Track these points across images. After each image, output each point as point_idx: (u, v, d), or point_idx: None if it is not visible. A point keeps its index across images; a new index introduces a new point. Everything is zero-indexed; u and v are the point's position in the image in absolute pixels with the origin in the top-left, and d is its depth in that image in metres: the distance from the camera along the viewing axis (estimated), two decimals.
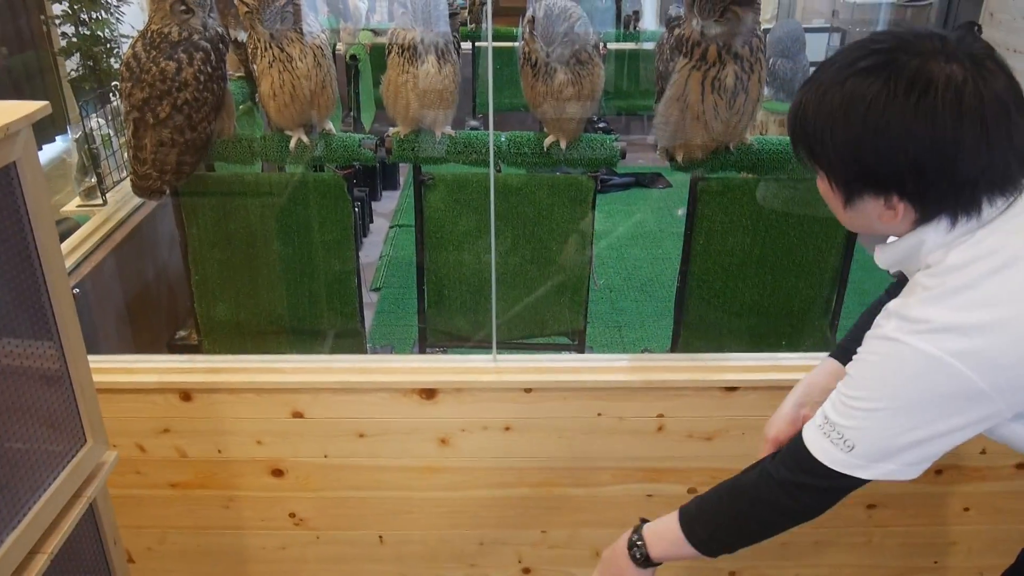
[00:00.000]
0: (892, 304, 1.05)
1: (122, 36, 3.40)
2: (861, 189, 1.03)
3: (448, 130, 2.10)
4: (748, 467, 1.23)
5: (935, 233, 1.02)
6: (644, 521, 1.29)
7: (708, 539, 1.21)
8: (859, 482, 1.09)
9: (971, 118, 0.94)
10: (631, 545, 1.26)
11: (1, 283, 1.11)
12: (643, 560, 1.25)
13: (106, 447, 1.35)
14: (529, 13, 1.92)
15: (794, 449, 1.13)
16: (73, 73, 3.36)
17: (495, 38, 4.67)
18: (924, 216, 1.02)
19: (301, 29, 1.98)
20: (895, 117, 0.95)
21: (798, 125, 1.05)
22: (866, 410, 1.05)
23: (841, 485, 1.10)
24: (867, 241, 1.17)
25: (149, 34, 1.93)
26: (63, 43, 3.33)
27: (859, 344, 1.11)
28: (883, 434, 1.04)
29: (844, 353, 1.30)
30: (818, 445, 1.09)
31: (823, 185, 1.09)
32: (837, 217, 1.12)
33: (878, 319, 1.07)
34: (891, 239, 1.11)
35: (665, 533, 1.25)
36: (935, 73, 0.94)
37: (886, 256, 1.11)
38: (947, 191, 0.98)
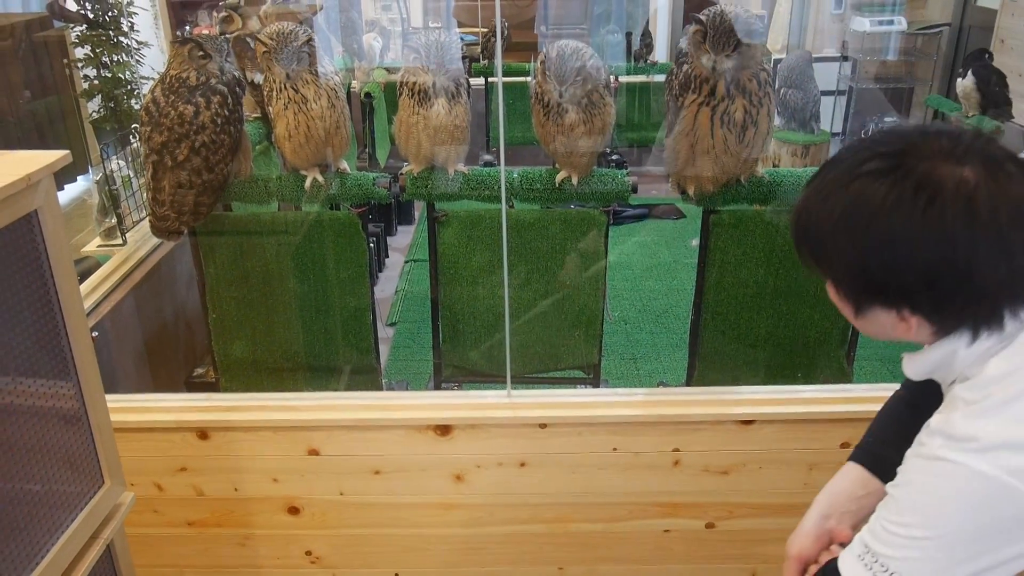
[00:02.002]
0: (933, 421, 0.96)
1: (143, 78, 3.48)
2: (871, 301, 0.95)
3: (461, 167, 2.13)
4: None
5: (964, 344, 0.94)
6: None
7: None
8: None
9: (985, 226, 0.85)
10: None
11: (22, 326, 1.14)
12: None
13: (123, 488, 1.36)
14: (542, 54, 1.94)
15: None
16: (95, 115, 3.43)
17: (508, 73, 4.75)
18: (943, 329, 0.94)
19: (316, 71, 2.02)
20: (901, 226, 0.87)
21: (800, 230, 0.98)
22: (916, 539, 0.92)
23: None
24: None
25: (168, 79, 1.97)
26: (85, 86, 3.41)
27: (887, 449, 1.02)
28: (936, 566, 0.91)
29: (868, 456, 1.19)
30: (856, 572, 0.97)
31: (831, 291, 1.01)
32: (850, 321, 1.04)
33: (920, 436, 0.97)
34: (920, 351, 1.01)
35: None
36: (944, 177, 0.87)
37: (915, 367, 1.02)
38: (964, 305, 0.90)
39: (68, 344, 1.20)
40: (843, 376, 2.32)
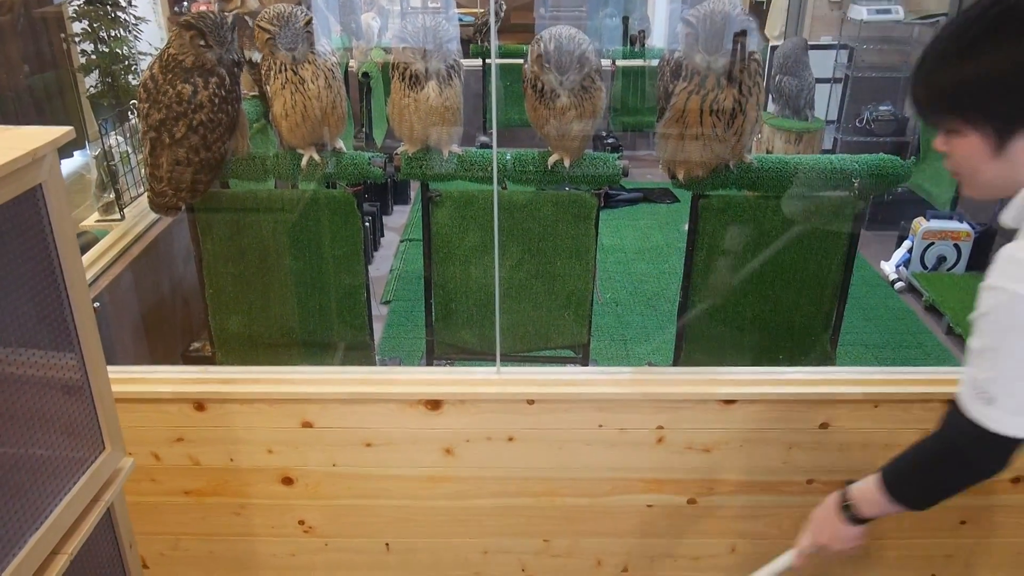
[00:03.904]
0: (1002, 249, 1.10)
1: (140, 53, 3.49)
2: (1020, 121, 1.06)
3: (455, 148, 2.16)
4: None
5: None
6: (849, 482, 1.39)
7: (910, 496, 1.31)
8: (1014, 440, 1.12)
9: None
10: (843, 507, 1.37)
11: (26, 298, 1.18)
12: (855, 519, 1.36)
13: (123, 454, 1.41)
14: (537, 46, 1.96)
15: (952, 408, 1.19)
16: (92, 90, 3.45)
17: (506, 55, 4.75)
18: None
19: (313, 52, 2.05)
20: None
21: (939, 78, 1.10)
22: (992, 359, 1.10)
23: (998, 442, 1.13)
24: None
25: (165, 57, 2.00)
26: (82, 60, 3.42)
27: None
28: (1009, 375, 1.09)
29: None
30: (965, 400, 1.15)
31: (965, 144, 1.12)
32: (970, 182, 1.16)
33: (989, 270, 1.12)
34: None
35: (871, 495, 1.34)
36: None
37: (1011, 211, 1.14)
38: None
39: (71, 315, 1.24)
40: (826, 359, 2.38)
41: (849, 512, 1.36)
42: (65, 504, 1.24)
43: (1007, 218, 1.16)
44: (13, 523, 1.14)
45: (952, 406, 1.20)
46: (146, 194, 2.22)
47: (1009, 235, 1.16)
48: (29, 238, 1.16)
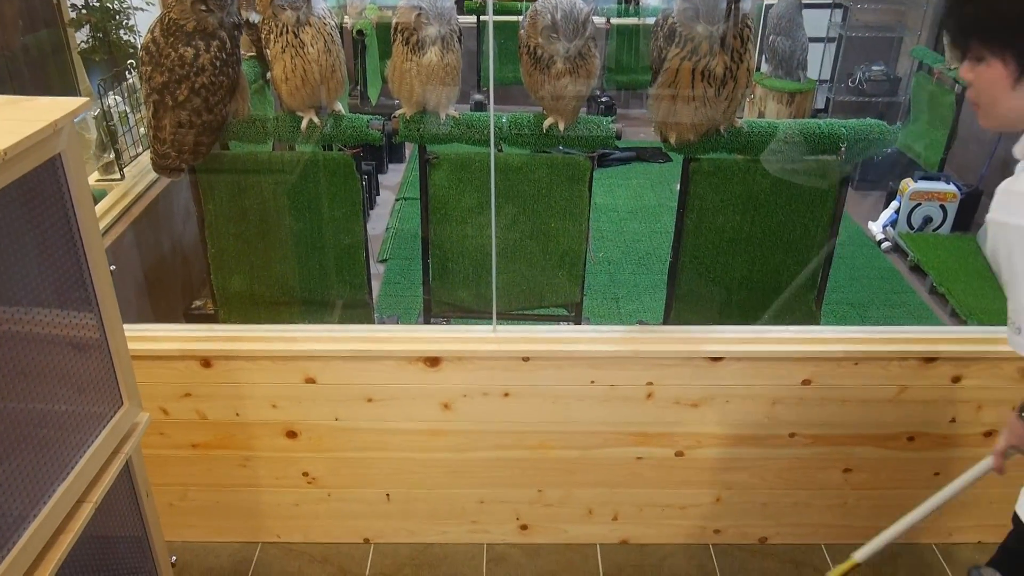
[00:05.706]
0: (1001, 184, 1.18)
1: (131, 8, 3.47)
2: None
3: (452, 111, 2.20)
4: None
5: None
6: None
7: None
8: None
9: None
10: (1021, 413, 1.45)
11: (47, 260, 1.23)
12: None
13: (140, 409, 1.48)
14: (542, 17, 1.98)
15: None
16: (83, 45, 3.44)
17: (500, 12, 4.72)
18: None
19: (313, 15, 2.07)
20: None
21: (972, 7, 1.17)
22: (1011, 292, 1.19)
23: None
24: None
25: (167, 20, 2.02)
26: (73, 15, 3.40)
27: None
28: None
29: None
30: (1008, 333, 1.25)
31: (988, 72, 1.19)
32: (988, 113, 1.23)
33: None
34: None
35: None
36: None
37: (1021, 144, 1.22)
38: None
39: (89, 276, 1.30)
40: (812, 318, 2.45)
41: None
42: (88, 456, 1.31)
43: (1018, 151, 1.23)
44: (42, 474, 1.22)
45: None
46: (148, 155, 2.25)
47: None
48: (49, 205, 1.21)
